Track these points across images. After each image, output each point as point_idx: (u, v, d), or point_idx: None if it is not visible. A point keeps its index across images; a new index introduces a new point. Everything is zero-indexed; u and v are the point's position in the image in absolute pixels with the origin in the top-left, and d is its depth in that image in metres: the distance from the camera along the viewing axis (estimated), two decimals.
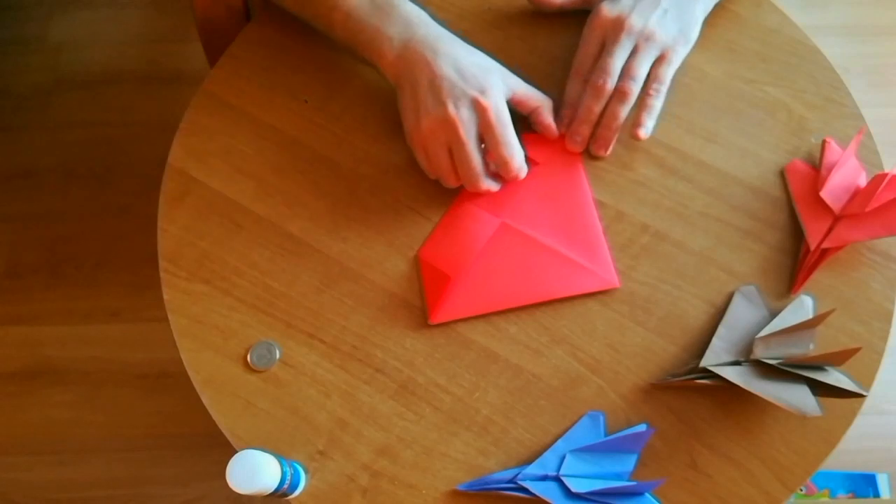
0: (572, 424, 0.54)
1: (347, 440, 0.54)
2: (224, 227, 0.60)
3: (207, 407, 0.56)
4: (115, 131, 1.30)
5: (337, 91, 0.64)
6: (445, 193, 0.59)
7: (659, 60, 0.59)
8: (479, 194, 0.59)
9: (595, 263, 0.57)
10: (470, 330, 0.56)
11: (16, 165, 1.29)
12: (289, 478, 0.49)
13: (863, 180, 0.58)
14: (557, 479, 0.51)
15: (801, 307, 0.56)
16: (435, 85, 0.54)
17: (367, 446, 0.54)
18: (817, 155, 0.60)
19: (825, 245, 0.56)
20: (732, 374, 0.51)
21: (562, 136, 0.61)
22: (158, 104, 1.31)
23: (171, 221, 0.60)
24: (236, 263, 0.59)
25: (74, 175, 1.28)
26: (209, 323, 0.57)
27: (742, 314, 0.55)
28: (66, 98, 1.33)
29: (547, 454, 0.52)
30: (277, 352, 0.56)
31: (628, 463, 0.52)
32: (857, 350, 0.49)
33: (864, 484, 1.06)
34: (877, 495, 1.06)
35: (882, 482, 1.06)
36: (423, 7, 0.58)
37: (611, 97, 0.58)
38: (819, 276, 0.57)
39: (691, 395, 0.54)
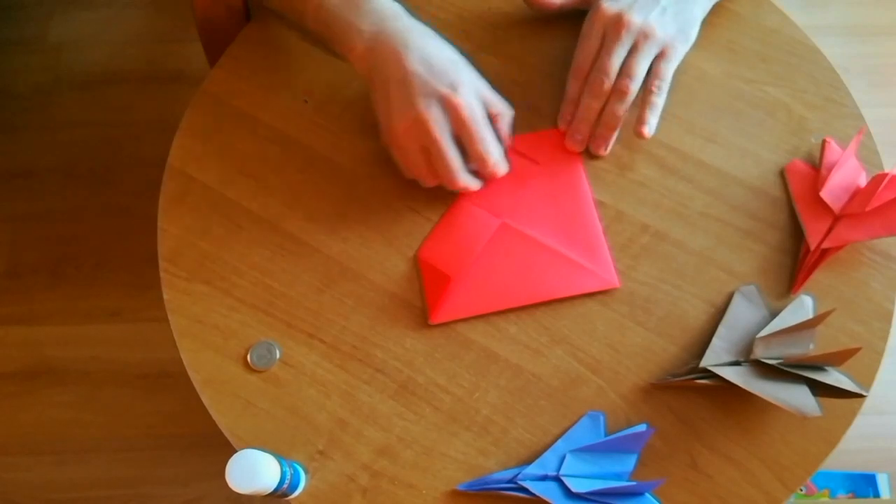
0: (572, 424, 0.54)
1: (347, 440, 0.54)
2: (224, 227, 0.60)
3: (207, 407, 0.56)
4: (115, 131, 1.30)
5: (337, 91, 0.64)
6: (445, 194, 0.59)
7: (658, 57, 0.58)
8: (479, 194, 0.59)
9: (595, 263, 0.57)
10: (470, 330, 0.56)
11: (16, 165, 1.29)
12: (288, 478, 0.49)
13: (863, 180, 0.58)
14: (557, 479, 0.51)
15: (801, 307, 0.56)
16: (405, 82, 0.53)
17: (367, 446, 0.54)
18: (817, 155, 0.60)
19: (825, 245, 0.56)
20: (732, 375, 0.51)
21: (561, 135, 0.61)
22: (158, 104, 1.31)
23: (171, 221, 0.60)
24: (236, 263, 0.59)
25: (74, 175, 1.28)
26: (209, 323, 0.57)
27: (742, 314, 0.55)
28: (66, 98, 1.33)
29: (547, 454, 0.52)
30: (277, 352, 0.56)
31: (628, 463, 0.52)
32: (857, 350, 0.49)
33: (864, 484, 1.06)
34: (877, 495, 1.06)
35: (882, 482, 1.06)
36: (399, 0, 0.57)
37: (610, 96, 0.58)
38: (819, 276, 0.57)
39: (691, 395, 0.54)
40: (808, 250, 0.57)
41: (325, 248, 0.59)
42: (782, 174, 0.60)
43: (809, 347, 0.53)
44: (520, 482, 0.51)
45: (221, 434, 0.55)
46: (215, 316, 0.58)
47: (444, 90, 0.53)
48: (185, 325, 0.57)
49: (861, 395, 0.51)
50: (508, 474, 0.52)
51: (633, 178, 0.61)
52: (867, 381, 0.54)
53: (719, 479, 0.52)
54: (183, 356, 0.57)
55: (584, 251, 0.57)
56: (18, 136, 1.31)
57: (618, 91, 0.58)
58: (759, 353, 0.52)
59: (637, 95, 0.58)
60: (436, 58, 0.54)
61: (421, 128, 0.54)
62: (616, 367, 0.55)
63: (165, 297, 0.58)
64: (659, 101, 0.59)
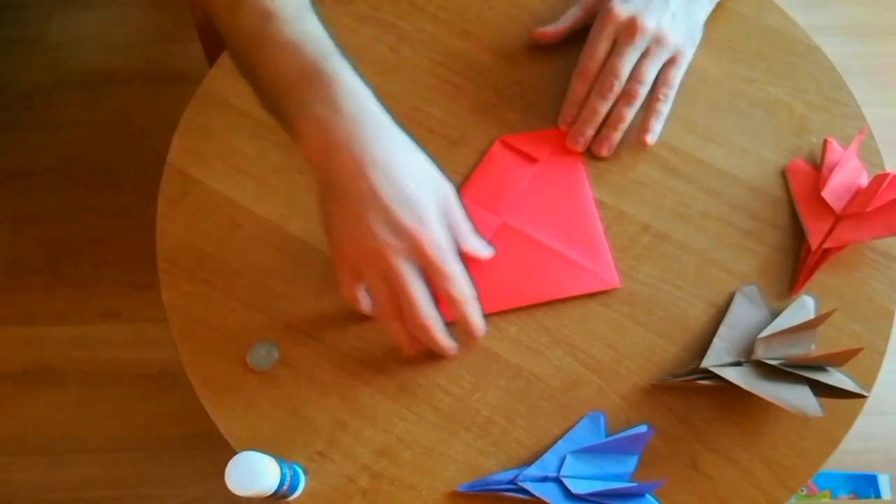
0: (573, 425, 0.54)
1: (347, 441, 0.54)
2: (224, 227, 0.60)
3: (206, 408, 0.55)
4: (115, 131, 1.30)
5: None
6: None
7: (669, 63, 0.58)
8: (478, 192, 0.59)
9: (596, 263, 0.57)
10: None
11: (16, 165, 1.29)
12: (288, 479, 0.49)
13: (864, 180, 0.58)
14: (558, 481, 0.51)
15: (803, 307, 0.55)
16: (365, 203, 0.46)
17: (366, 447, 0.54)
18: (818, 155, 0.60)
19: (826, 245, 0.56)
20: (733, 375, 0.51)
21: (562, 135, 0.61)
22: (158, 104, 1.31)
23: (170, 221, 0.60)
24: (236, 264, 0.59)
25: (74, 175, 1.28)
26: (209, 323, 0.57)
27: (743, 314, 0.55)
28: (66, 98, 1.33)
29: (547, 455, 0.52)
30: (277, 352, 0.56)
31: (629, 464, 0.52)
32: (858, 351, 0.49)
33: (866, 485, 1.06)
34: (878, 496, 1.06)
35: (883, 483, 1.06)
36: (363, 79, 0.49)
37: (618, 99, 0.58)
38: (820, 277, 0.57)
39: (692, 396, 0.54)
40: (809, 250, 0.57)
41: (324, 248, 0.59)
42: (783, 174, 0.60)
43: (811, 348, 0.53)
44: (520, 483, 0.51)
45: (221, 435, 0.55)
46: (215, 316, 0.57)
47: (409, 224, 0.46)
48: (185, 325, 0.57)
49: (862, 396, 0.51)
50: (509, 475, 0.52)
51: (634, 179, 0.60)
52: (869, 382, 0.53)
53: (720, 480, 0.52)
54: (182, 356, 0.57)
55: (585, 251, 0.57)
56: (18, 136, 1.31)
57: (627, 94, 0.58)
58: (761, 353, 0.52)
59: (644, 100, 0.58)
60: (401, 179, 0.46)
61: (381, 260, 0.47)
62: (617, 367, 0.55)
63: (164, 297, 0.58)
64: (665, 108, 0.59)
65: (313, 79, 0.47)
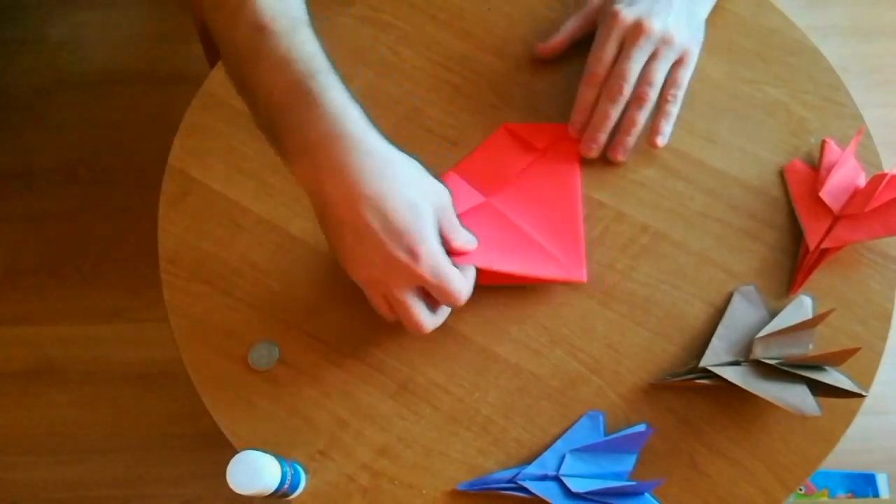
0: (572, 424, 0.54)
1: (347, 440, 0.54)
2: (224, 227, 0.60)
3: (207, 407, 0.56)
4: (115, 131, 1.31)
5: None
6: None
7: (677, 64, 0.58)
8: (472, 169, 0.60)
9: (566, 255, 0.57)
10: (470, 330, 0.56)
11: (16, 165, 1.30)
12: (289, 478, 0.49)
13: (862, 180, 0.58)
14: (557, 479, 0.51)
15: (801, 307, 0.56)
16: (359, 234, 0.46)
17: (367, 446, 0.54)
18: (817, 155, 0.61)
19: (824, 245, 0.56)
20: (732, 374, 0.51)
21: (564, 129, 0.60)
22: (158, 104, 1.31)
23: (171, 222, 0.61)
24: (236, 263, 0.59)
25: (74, 175, 1.28)
26: (209, 323, 0.57)
27: (741, 314, 0.55)
28: (66, 98, 1.33)
29: (546, 454, 0.53)
30: (277, 352, 0.56)
31: (628, 463, 0.52)
32: (856, 350, 0.49)
33: (864, 483, 1.06)
34: (876, 495, 1.06)
35: (881, 482, 1.07)
36: (352, 95, 0.48)
37: (629, 102, 0.58)
38: (818, 276, 0.57)
39: (691, 395, 0.54)
40: (807, 250, 0.57)
41: (324, 248, 0.59)
42: (782, 174, 0.61)
43: (809, 347, 0.53)
44: (519, 482, 0.51)
45: (221, 434, 0.55)
46: (215, 316, 0.58)
47: (403, 257, 0.46)
48: (186, 325, 0.57)
49: (860, 395, 0.51)
50: (508, 474, 0.52)
51: (633, 179, 0.61)
52: (867, 381, 0.54)
53: (719, 479, 0.53)
54: (183, 356, 0.57)
55: (559, 242, 0.57)
56: (19, 136, 1.31)
57: (638, 98, 0.57)
58: (759, 353, 0.52)
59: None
60: (392, 210, 0.46)
61: (380, 286, 0.49)
62: (616, 367, 0.55)
63: (166, 297, 0.58)
64: (674, 110, 0.59)
65: (301, 99, 0.46)
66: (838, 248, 0.57)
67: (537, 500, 0.51)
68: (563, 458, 0.52)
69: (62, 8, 1.40)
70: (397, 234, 0.46)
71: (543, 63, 0.64)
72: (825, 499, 1.06)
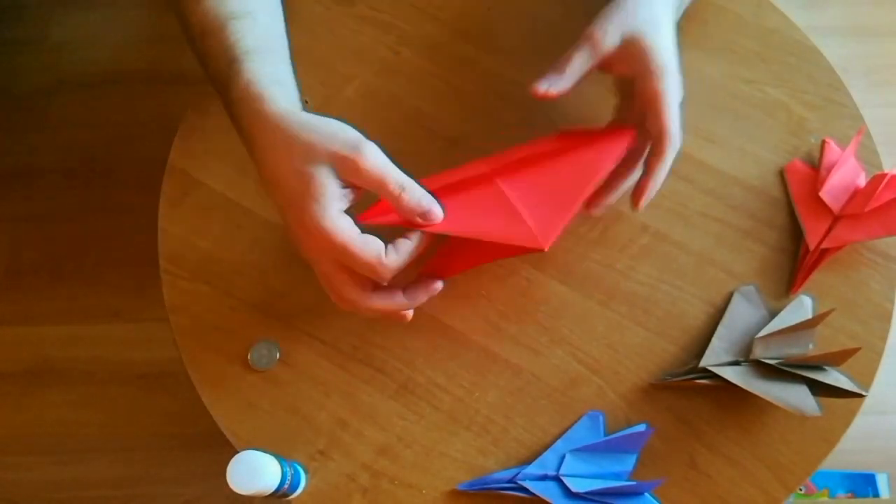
0: (572, 424, 0.54)
1: (347, 440, 0.54)
2: (224, 227, 0.60)
3: (207, 407, 0.56)
4: (115, 131, 1.30)
5: (336, 92, 0.64)
6: None
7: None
8: (500, 159, 0.54)
9: (536, 221, 0.49)
10: (470, 330, 0.56)
11: (16, 165, 1.29)
12: (289, 478, 0.49)
13: (862, 180, 0.58)
14: (557, 479, 0.51)
15: (801, 307, 0.56)
16: (279, 212, 0.48)
17: (367, 446, 0.54)
18: (817, 155, 0.61)
19: (824, 245, 0.56)
20: (732, 374, 0.51)
21: (620, 134, 0.54)
22: (158, 104, 1.31)
23: (171, 222, 0.61)
24: (236, 263, 0.59)
25: (74, 175, 1.28)
26: (209, 323, 0.57)
27: (741, 314, 0.56)
28: (66, 98, 1.33)
29: (547, 454, 0.53)
30: (277, 352, 0.56)
31: (628, 463, 0.52)
32: (856, 350, 0.49)
33: (864, 484, 1.06)
34: (876, 495, 1.06)
35: (881, 482, 1.07)
36: (273, 75, 0.49)
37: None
38: (818, 276, 0.57)
39: (691, 395, 0.54)
40: (807, 250, 0.57)
41: None
42: (782, 174, 0.61)
43: (809, 347, 0.53)
44: (519, 482, 0.51)
45: (221, 434, 0.55)
46: (215, 316, 0.58)
47: (298, 231, 0.46)
48: (186, 325, 0.58)
49: (860, 395, 0.51)
50: (508, 474, 0.52)
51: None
52: (866, 381, 0.54)
53: (719, 479, 0.53)
54: (183, 356, 0.57)
55: (538, 209, 0.50)
56: (19, 136, 1.31)
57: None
58: (759, 353, 0.52)
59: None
60: (284, 181, 0.46)
61: (310, 264, 0.48)
62: (616, 367, 0.55)
63: (166, 297, 0.58)
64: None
65: (222, 95, 0.49)
66: (838, 248, 0.57)
67: (537, 500, 0.51)
68: (563, 457, 0.52)
69: (62, 8, 1.40)
70: (289, 208, 0.45)
71: (543, 63, 0.64)
72: (825, 499, 1.06)
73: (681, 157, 0.59)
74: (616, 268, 0.58)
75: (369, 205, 0.51)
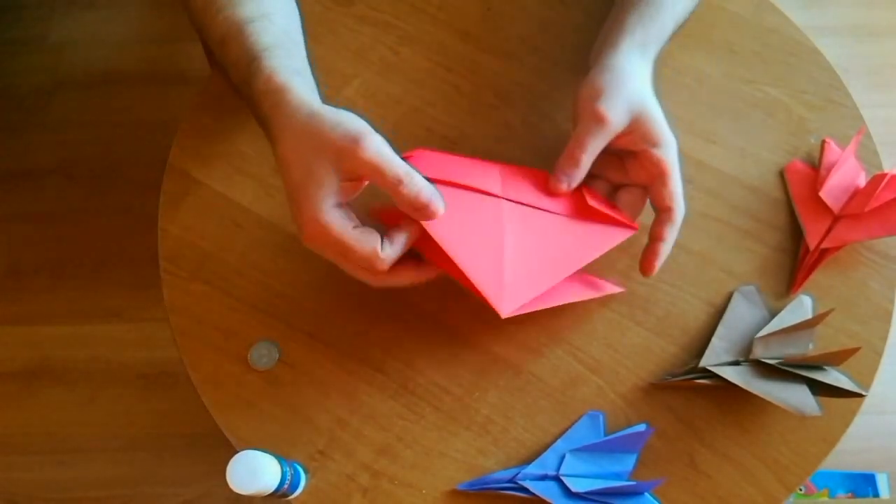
0: (572, 424, 0.54)
1: (347, 440, 0.54)
2: (224, 227, 0.60)
3: (207, 407, 0.56)
4: (115, 131, 1.31)
5: (336, 92, 0.64)
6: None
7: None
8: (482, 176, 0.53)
9: (512, 282, 0.50)
10: (470, 330, 0.56)
11: (16, 165, 1.30)
12: (289, 478, 0.49)
13: (862, 180, 0.58)
14: (557, 479, 0.51)
15: (801, 307, 0.56)
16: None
17: (367, 446, 0.54)
18: (817, 155, 0.61)
19: (824, 245, 0.56)
20: (732, 374, 0.51)
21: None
22: (158, 104, 1.31)
23: (171, 222, 0.61)
24: (236, 263, 0.59)
25: (74, 175, 1.28)
26: (209, 323, 0.57)
27: (741, 314, 0.56)
28: (66, 98, 1.33)
29: (546, 454, 0.53)
30: (278, 352, 0.56)
31: (628, 462, 0.52)
32: (856, 350, 0.49)
33: (864, 483, 1.06)
34: (876, 495, 1.06)
35: (881, 482, 1.07)
36: (290, 70, 0.49)
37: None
38: (818, 276, 0.57)
39: (691, 395, 0.54)
40: (807, 250, 0.57)
41: None
42: (782, 174, 0.61)
43: (809, 347, 0.53)
44: (519, 482, 0.51)
45: (221, 434, 0.55)
46: (215, 316, 0.58)
47: (298, 221, 0.47)
48: (186, 325, 0.57)
49: (860, 395, 0.51)
50: (508, 474, 0.52)
51: None
52: (866, 381, 0.54)
53: (719, 479, 0.53)
54: (183, 356, 0.57)
55: (521, 267, 0.50)
56: (18, 136, 1.32)
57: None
58: (759, 352, 0.52)
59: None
60: (288, 173, 0.47)
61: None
62: (615, 366, 0.55)
63: (166, 297, 0.58)
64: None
65: (248, 85, 0.49)
66: (838, 248, 0.57)
67: (537, 499, 0.51)
68: (563, 457, 0.52)
69: (62, 8, 1.40)
70: (293, 197, 0.46)
71: (543, 63, 0.64)
72: (825, 499, 1.06)
73: (681, 157, 0.59)
74: (616, 267, 0.58)
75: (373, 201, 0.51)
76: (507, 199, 0.51)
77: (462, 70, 0.64)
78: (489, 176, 0.53)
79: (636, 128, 0.51)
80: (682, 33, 0.59)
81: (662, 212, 0.52)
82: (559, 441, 0.53)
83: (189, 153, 0.63)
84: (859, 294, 0.57)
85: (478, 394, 0.55)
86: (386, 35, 0.66)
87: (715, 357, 0.53)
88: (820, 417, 0.50)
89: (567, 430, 0.54)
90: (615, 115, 0.50)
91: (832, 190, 0.58)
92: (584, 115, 0.51)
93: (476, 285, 0.48)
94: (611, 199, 0.55)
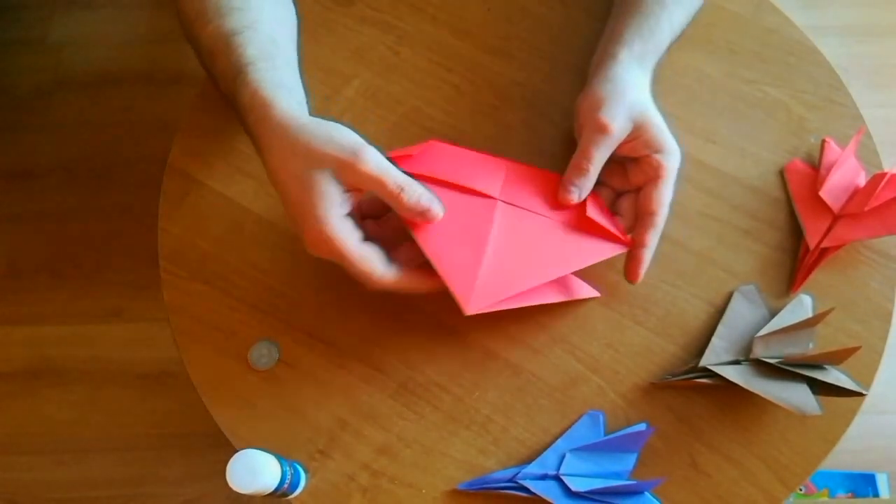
0: (572, 423, 0.54)
1: (347, 439, 0.54)
2: (224, 227, 0.60)
3: (207, 407, 0.56)
4: (115, 131, 1.31)
5: (336, 91, 0.64)
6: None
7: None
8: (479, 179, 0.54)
9: (484, 283, 0.50)
10: (470, 329, 0.56)
11: (16, 165, 1.30)
12: (289, 477, 0.49)
13: (862, 180, 0.58)
14: (557, 478, 0.51)
15: (801, 306, 0.56)
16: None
17: (367, 445, 0.54)
18: (816, 155, 0.61)
19: (824, 244, 0.56)
20: (732, 374, 0.51)
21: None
22: (158, 104, 1.31)
23: (171, 221, 0.61)
24: (236, 263, 0.59)
25: (74, 175, 1.28)
26: (209, 323, 0.57)
27: (742, 313, 0.56)
28: (66, 98, 1.33)
29: (547, 453, 0.53)
30: (278, 351, 0.56)
31: (628, 462, 0.52)
32: (856, 349, 0.49)
33: (864, 483, 1.06)
34: (876, 495, 1.06)
35: (881, 482, 1.07)
36: (278, 81, 0.50)
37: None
38: (818, 276, 0.57)
39: (691, 395, 0.54)
40: (807, 250, 0.57)
41: None
42: (782, 174, 0.61)
43: (809, 346, 0.53)
44: (520, 481, 0.51)
45: (221, 434, 0.55)
46: (215, 316, 0.58)
47: (298, 232, 0.48)
48: (186, 325, 0.57)
49: (861, 394, 0.51)
50: (508, 473, 0.52)
51: None
52: (867, 381, 0.54)
53: (719, 478, 0.53)
54: (183, 356, 0.57)
55: (497, 269, 0.51)
56: (18, 136, 1.31)
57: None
58: (759, 352, 0.52)
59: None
60: (284, 184, 0.47)
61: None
62: (615, 366, 0.55)
63: (166, 297, 0.58)
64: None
65: (235, 99, 0.50)
66: (838, 248, 0.57)
67: (538, 499, 0.51)
68: (563, 457, 0.52)
69: (62, 8, 1.40)
70: (292, 209, 0.47)
71: (543, 63, 0.64)
72: (825, 499, 1.06)
73: (681, 160, 0.59)
74: (616, 267, 0.58)
75: (368, 203, 0.51)
76: (502, 201, 0.52)
77: (462, 70, 0.64)
78: (493, 175, 0.54)
79: (639, 135, 0.52)
80: (683, 34, 0.59)
81: (647, 216, 0.53)
82: (559, 440, 0.53)
83: (189, 153, 0.63)
84: (859, 293, 0.57)
85: (478, 393, 0.55)
86: (386, 35, 0.66)
87: (715, 356, 0.53)
88: (820, 417, 0.50)
89: (567, 429, 0.54)
90: (617, 123, 0.51)
91: (832, 189, 0.58)
92: (588, 125, 0.52)
93: (444, 279, 0.49)
94: (613, 205, 0.56)
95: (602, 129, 0.51)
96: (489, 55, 0.65)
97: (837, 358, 0.50)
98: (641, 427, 0.53)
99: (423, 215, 0.49)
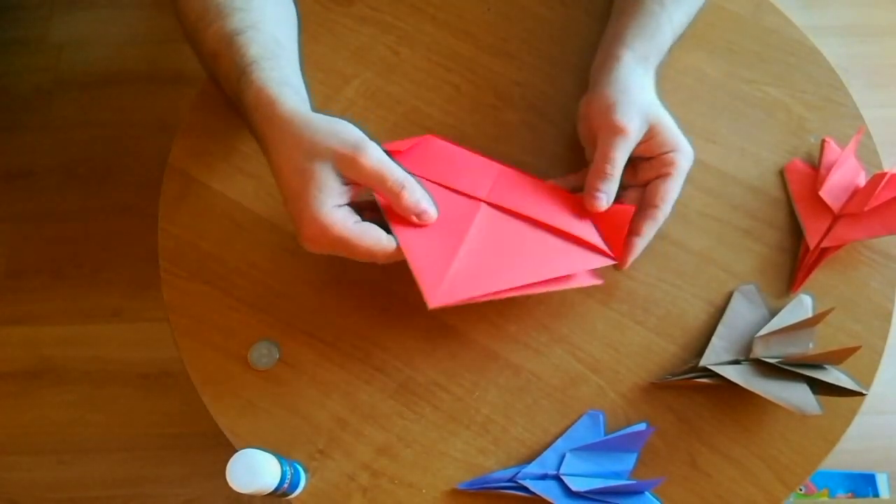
0: (572, 423, 0.54)
1: (347, 439, 0.54)
2: (224, 227, 0.60)
3: (207, 407, 0.56)
4: (115, 131, 1.30)
5: (336, 91, 0.64)
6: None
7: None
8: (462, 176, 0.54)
9: (454, 277, 0.50)
10: (470, 329, 0.56)
11: (16, 165, 1.29)
12: (289, 477, 0.49)
13: (862, 180, 0.58)
14: (557, 478, 0.51)
15: (801, 306, 0.56)
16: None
17: (367, 445, 0.54)
18: (816, 155, 0.61)
19: (824, 244, 0.56)
20: (732, 373, 0.51)
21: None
22: (158, 104, 1.31)
23: (171, 221, 0.61)
24: (236, 263, 0.59)
25: (74, 175, 1.28)
26: (209, 323, 0.57)
27: (742, 313, 0.56)
28: (66, 98, 1.33)
29: (547, 453, 0.53)
30: (278, 351, 0.56)
31: (628, 462, 0.52)
32: (856, 349, 0.49)
33: (864, 483, 1.06)
34: (876, 495, 1.06)
35: (881, 482, 1.07)
36: (281, 79, 0.50)
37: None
38: (818, 275, 0.57)
39: (691, 394, 0.54)
40: (807, 249, 0.57)
41: None
42: (782, 174, 0.61)
43: (809, 346, 0.53)
44: (520, 481, 0.51)
45: (221, 434, 0.55)
46: (215, 316, 0.58)
47: (297, 223, 0.48)
48: (186, 324, 0.58)
49: (861, 394, 0.51)
50: (508, 473, 0.52)
51: None
52: (867, 380, 0.54)
53: (719, 478, 0.53)
54: (183, 356, 0.57)
55: (470, 266, 0.50)
56: (18, 136, 1.31)
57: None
58: (759, 351, 0.52)
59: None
60: (285, 177, 0.48)
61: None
62: (616, 366, 0.55)
63: (165, 296, 0.58)
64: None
65: (239, 99, 0.50)
66: (838, 247, 0.57)
67: (538, 499, 0.51)
68: (563, 457, 0.52)
69: (62, 8, 1.40)
70: (292, 202, 0.48)
71: (543, 63, 0.64)
72: (825, 499, 1.06)
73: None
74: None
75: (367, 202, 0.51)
76: (487, 203, 0.53)
77: (462, 70, 0.64)
78: (483, 177, 0.54)
79: (653, 135, 0.53)
80: (683, 34, 0.59)
81: (649, 208, 0.53)
82: (559, 440, 0.53)
83: (189, 153, 0.63)
84: (859, 293, 0.57)
85: (478, 393, 0.55)
86: (386, 35, 0.66)
87: (715, 356, 0.53)
88: (820, 416, 0.50)
89: (567, 429, 0.54)
90: (633, 124, 0.51)
91: (832, 189, 0.58)
92: (604, 128, 0.52)
93: (412, 270, 0.49)
94: (619, 199, 0.54)
95: (619, 131, 0.51)
96: (489, 55, 0.65)
97: (837, 358, 0.50)
98: (641, 427, 0.53)
99: (419, 216, 0.49)
